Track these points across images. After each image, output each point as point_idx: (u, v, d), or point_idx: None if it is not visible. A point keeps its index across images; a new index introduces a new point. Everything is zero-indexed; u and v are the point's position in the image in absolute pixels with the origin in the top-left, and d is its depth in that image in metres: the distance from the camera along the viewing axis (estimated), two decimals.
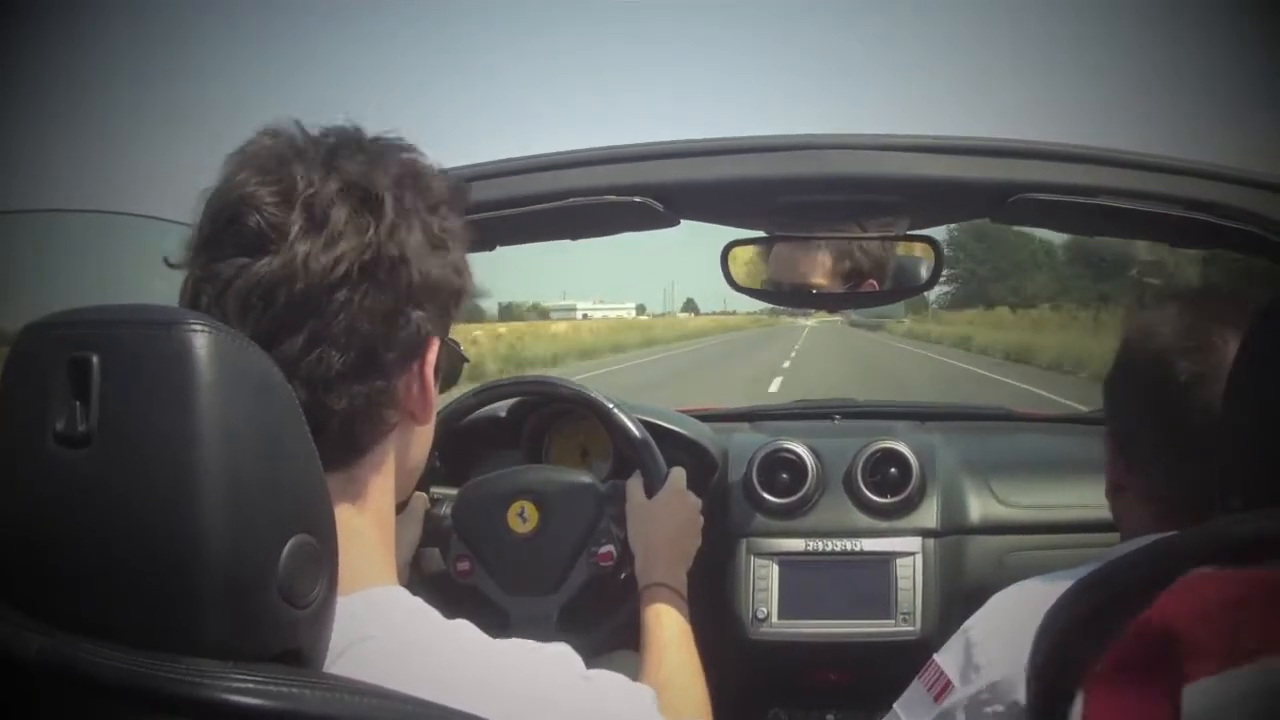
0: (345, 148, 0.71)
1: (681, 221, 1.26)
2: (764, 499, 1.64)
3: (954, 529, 1.61)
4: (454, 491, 1.45)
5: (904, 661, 1.17)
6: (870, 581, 1.57)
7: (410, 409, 0.74)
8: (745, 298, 1.49)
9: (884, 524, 1.61)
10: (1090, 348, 17.81)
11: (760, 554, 1.61)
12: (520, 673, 0.69)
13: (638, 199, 1.18)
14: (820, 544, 1.60)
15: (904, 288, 1.43)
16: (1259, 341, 0.70)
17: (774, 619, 1.57)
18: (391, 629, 0.67)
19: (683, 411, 1.83)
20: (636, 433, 1.39)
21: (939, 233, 1.34)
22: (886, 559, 1.58)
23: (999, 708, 0.92)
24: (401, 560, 1.33)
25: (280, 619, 0.58)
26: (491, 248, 1.29)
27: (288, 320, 0.66)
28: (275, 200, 0.67)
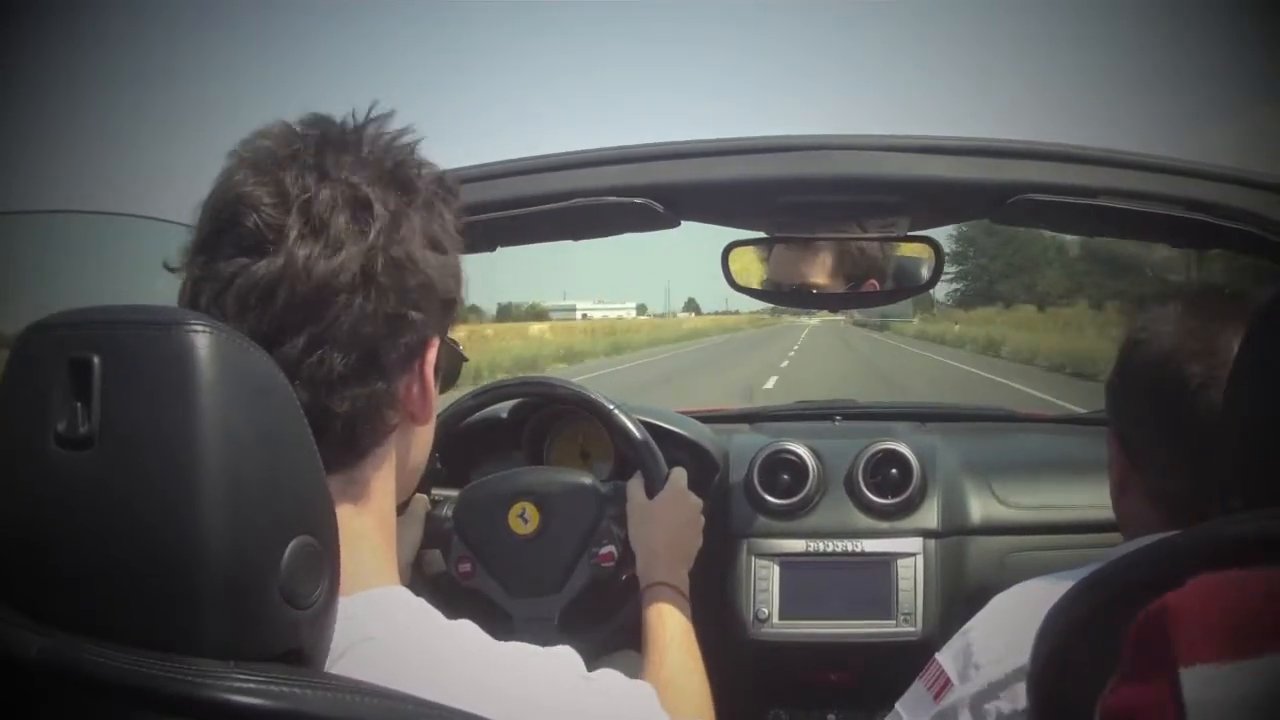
0: (340, 146, 0.71)
1: (682, 222, 1.26)
2: (765, 500, 1.64)
3: (955, 530, 1.61)
4: (455, 493, 1.45)
5: (905, 662, 1.17)
6: (871, 582, 1.57)
7: (411, 410, 0.74)
8: (747, 297, 1.50)
9: (885, 525, 1.61)
10: None
11: (761, 555, 1.61)
12: (522, 674, 0.69)
13: (638, 200, 1.18)
14: (821, 545, 1.60)
15: (904, 288, 1.43)
16: (1259, 341, 0.70)
17: (775, 619, 1.58)
18: (393, 629, 0.67)
19: (683, 412, 1.83)
20: (637, 434, 1.39)
21: (944, 230, 1.34)
22: (887, 560, 1.58)
23: (1000, 706, 0.92)
24: (403, 561, 1.33)
25: (281, 619, 0.58)
26: (492, 248, 1.29)
27: (288, 322, 0.66)
28: (273, 201, 0.66)
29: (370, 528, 0.73)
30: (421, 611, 0.70)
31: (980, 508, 1.65)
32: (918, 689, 1.02)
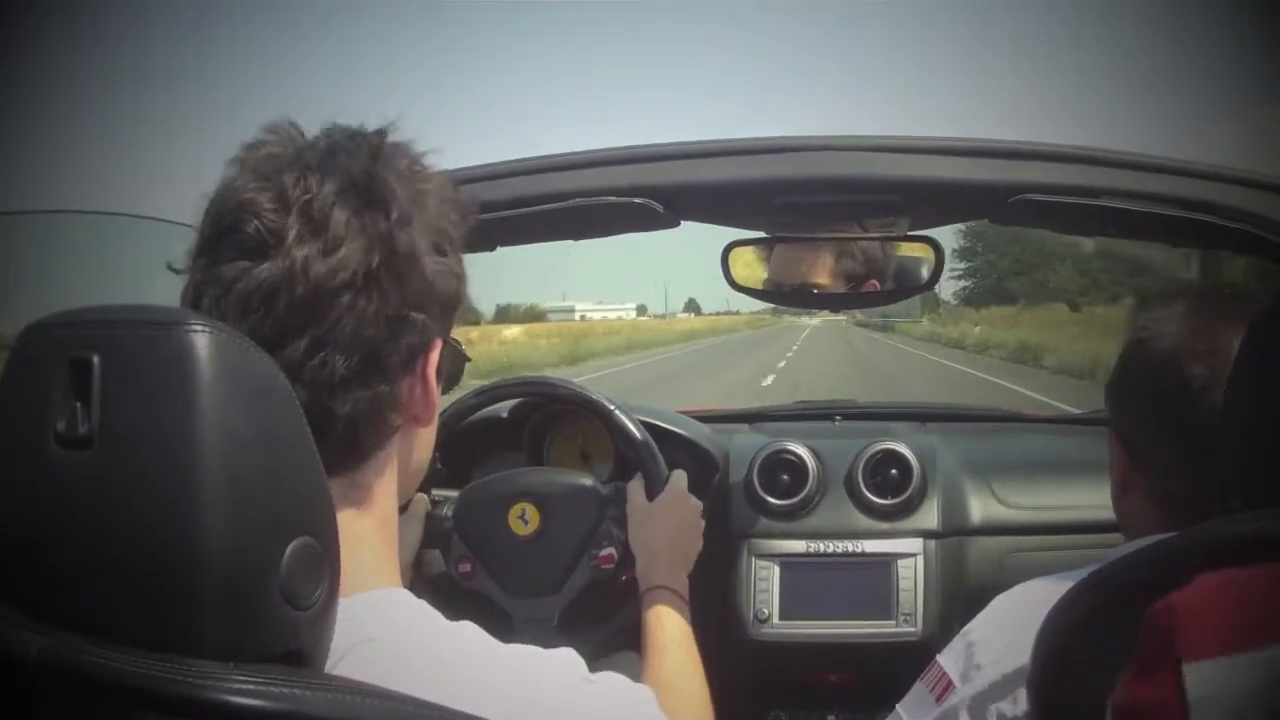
0: (343, 150, 0.71)
1: (682, 223, 1.26)
2: (765, 500, 1.64)
3: (955, 530, 1.61)
4: (455, 493, 1.45)
5: (905, 662, 1.17)
6: (871, 583, 1.57)
7: (413, 411, 0.74)
8: (748, 297, 1.50)
9: (885, 525, 1.61)
10: None
11: (761, 555, 1.61)
12: (522, 675, 0.69)
13: (638, 200, 1.18)
14: (821, 545, 1.60)
15: (904, 288, 1.43)
16: (1259, 341, 0.70)
17: (775, 620, 1.58)
18: (393, 630, 0.67)
19: (683, 412, 1.83)
20: (637, 434, 1.39)
21: (951, 225, 1.34)
22: (887, 560, 1.58)
23: (1001, 707, 0.92)
24: (403, 561, 1.33)
25: (282, 620, 0.58)
26: (493, 248, 1.29)
27: (289, 324, 0.66)
28: (273, 206, 0.67)
29: (372, 530, 0.73)
30: (422, 613, 0.70)
31: (980, 508, 1.65)
32: (919, 690, 1.02)
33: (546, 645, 0.74)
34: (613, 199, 1.18)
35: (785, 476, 1.66)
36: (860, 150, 1.16)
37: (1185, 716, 0.53)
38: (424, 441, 0.79)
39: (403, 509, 0.81)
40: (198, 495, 0.56)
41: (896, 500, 1.62)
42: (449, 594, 1.38)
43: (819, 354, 27.82)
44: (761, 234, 1.38)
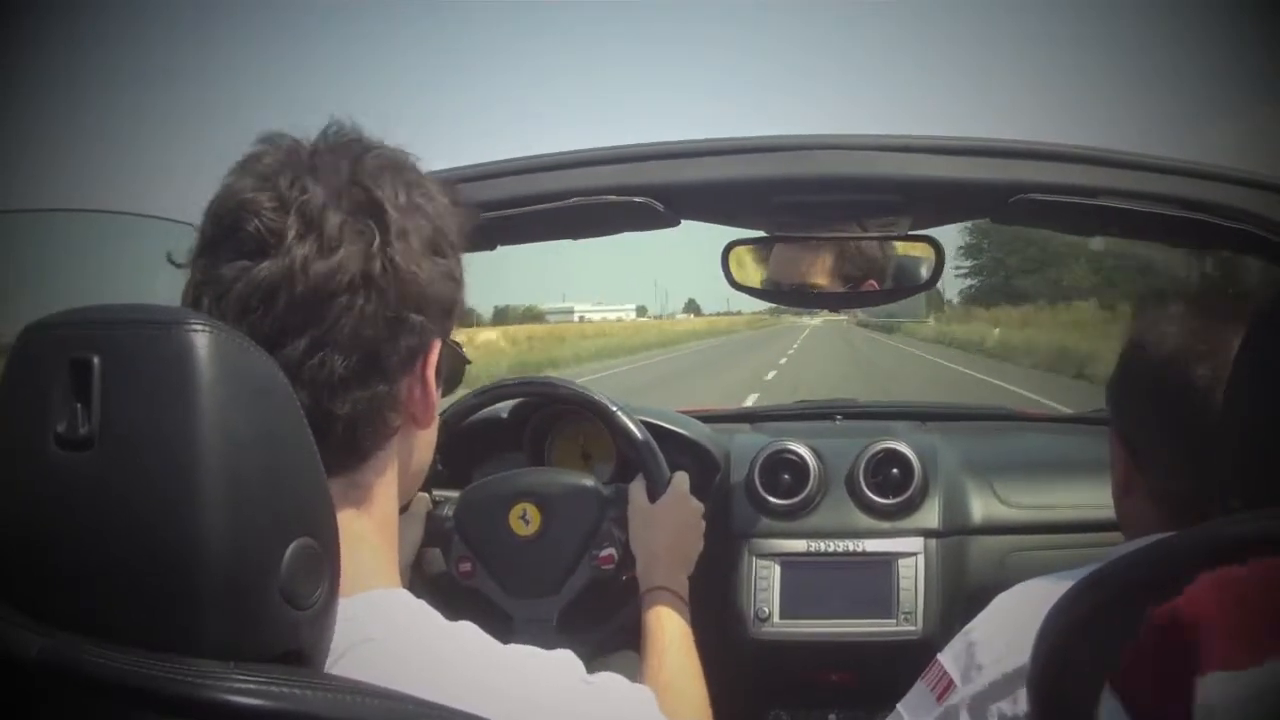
0: (341, 152, 0.71)
1: (682, 222, 1.26)
2: (766, 500, 1.64)
3: (956, 529, 1.61)
4: (456, 493, 1.45)
5: (906, 662, 1.17)
6: (872, 582, 1.57)
7: (412, 412, 0.74)
8: (749, 297, 1.50)
9: (886, 524, 1.61)
10: None
11: (762, 555, 1.61)
12: (522, 675, 0.69)
13: (638, 199, 1.18)
14: (822, 545, 1.60)
15: (904, 287, 1.43)
16: (1259, 341, 0.70)
17: (776, 619, 1.58)
18: (393, 630, 0.67)
19: (684, 412, 1.83)
20: (639, 435, 1.39)
21: (954, 226, 1.34)
22: (888, 559, 1.58)
23: (1002, 707, 0.92)
24: (404, 561, 1.33)
25: (282, 620, 0.58)
26: (492, 247, 1.29)
27: (289, 323, 0.66)
28: (273, 206, 0.67)
29: (372, 530, 0.73)
30: (422, 613, 0.70)
31: (981, 507, 1.65)
32: (920, 690, 1.02)
33: (546, 645, 0.74)
34: (613, 198, 1.18)
35: (786, 476, 1.66)
36: (860, 149, 1.16)
37: None
38: (424, 443, 0.79)
39: (403, 509, 0.81)
40: (198, 495, 0.56)
41: (897, 499, 1.62)
42: (449, 594, 1.38)
43: (815, 359, 26.07)
44: (761, 233, 1.38)
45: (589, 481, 1.41)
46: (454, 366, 0.83)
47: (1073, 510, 1.59)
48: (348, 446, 0.70)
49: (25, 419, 0.59)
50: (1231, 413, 0.72)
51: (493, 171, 1.21)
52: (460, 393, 1.27)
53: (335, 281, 0.66)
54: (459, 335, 0.81)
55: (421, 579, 1.41)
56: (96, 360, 0.57)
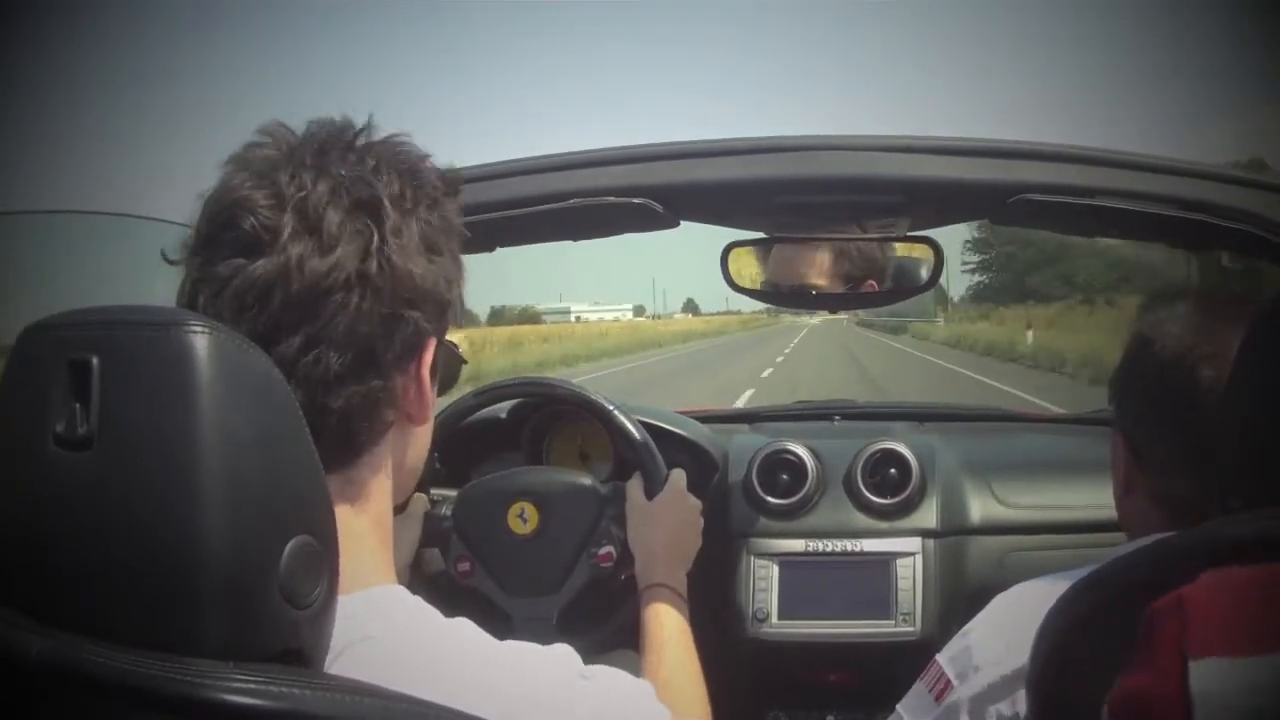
0: (338, 147, 0.71)
1: (681, 223, 1.26)
2: (764, 500, 1.64)
3: (954, 529, 1.61)
4: (454, 493, 1.45)
5: (904, 662, 1.17)
6: (870, 582, 1.57)
7: (407, 410, 0.74)
8: (747, 298, 1.50)
9: (884, 525, 1.61)
10: None
11: (760, 555, 1.61)
12: (520, 672, 0.69)
13: (638, 200, 1.18)
14: (820, 544, 1.60)
15: (904, 288, 1.43)
16: (1259, 341, 0.70)
17: (774, 619, 1.58)
18: (391, 628, 0.67)
19: (682, 412, 1.83)
20: (636, 434, 1.39)
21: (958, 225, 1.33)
22: (887, 559, 1.58)
23: (1000, 708, 0.92)
24: (402, 562, 1.33)
25: (281, 619, 0.59)
26: (492, 248, 1.29)
27: (284, 321, 0.66)
28: (269, 204, 0.67)
29: (368, 528, 0.73)
30: (420, 610, 0.70)
31: (979, 508, 1.65)
32: (919, 690, 1.02)
33: (545, 644, 0.74)
34: (612, 199, 1.18)
35: (784, 476, 1.66)
36: (859, 150, 1.16)
37: (1188, 710, 0.53)
38: (419, 440, 0.79)
39: (400, 509, 0.81)
40: (197, 495, 0.56)
41: (896, 500, 1.62)
42: (448, 593, 1.38)
43: (810, 365, 23.70)
44: (760, 235, 1.38)
45: (587, 480, 1.41)
46: (450, 366, 0.83)
47: (1071, 511, 1.59)
48: (342, 441, 0.70)
49: (25, 419, 0.59)
50: (1231, 413, 0.72)
51: (492, 173, 1.21)
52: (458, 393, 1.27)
53: (331, 279, 0.66)
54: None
55: (420, 579, 1.41)
56: (96, 361, 0.57)
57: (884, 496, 1.63)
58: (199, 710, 0.55)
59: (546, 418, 1.69)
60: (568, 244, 1.35)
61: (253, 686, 0.55)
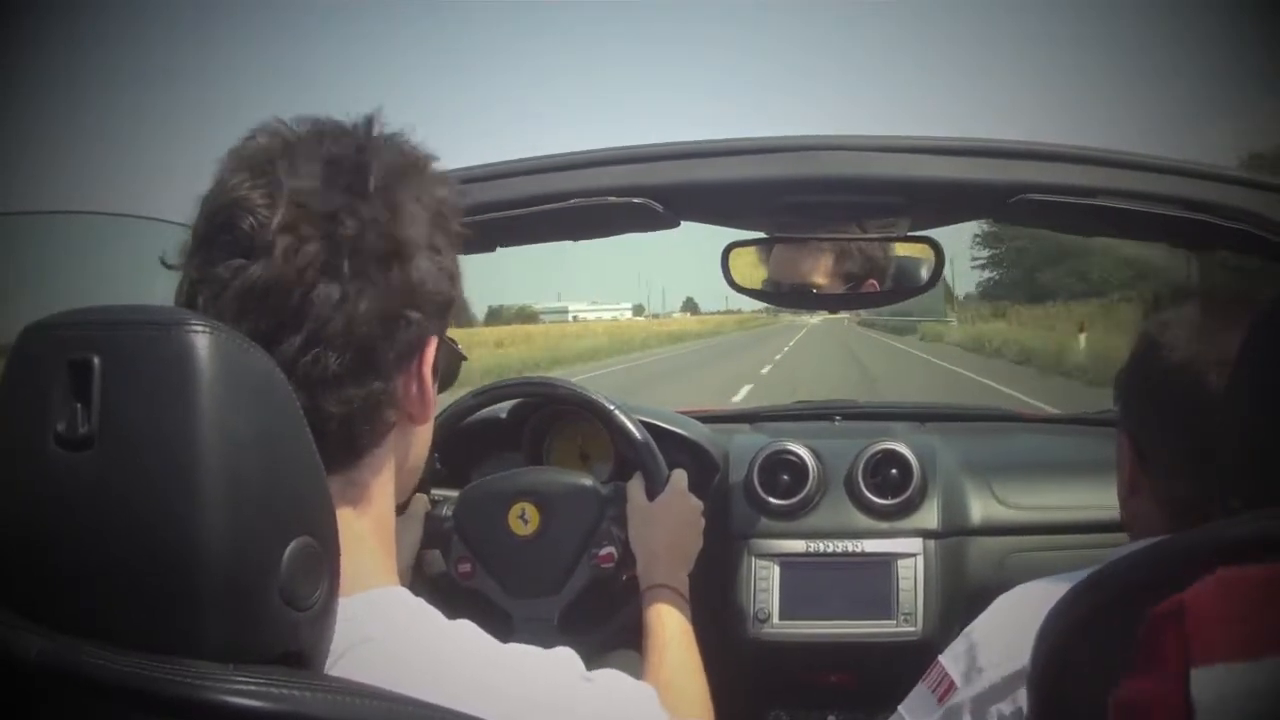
0: (335, 144, 0.70)
1: (681, 223, 1.26)
2: (765, 500, 1.64)
3: (955, 530, 1.61)
4: (455, 493, 1.45)
5: (905, 662, 1.17)
6: (871, 582, 1.57)
7: (409, 409, 0.74)
8: (747, 297, 1.50)
9: (885, 525, 1.61)
10: None
11: (761, 555, 1.61)
12: (521, 674, 0.69)
13: (638, 200, 1.18)
14: (821, 545, 1.60)
15: (904, 288, 1.43)
16: (1259, 341, 0.70)
17: (775, 620, 1.57)
18: (392, 630, 0.67)
19: (683, 412, 1.83)
20: (637, 434, 1.39)
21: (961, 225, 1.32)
22: (887, 560, 1.58)
23: (1003, 709, 0.92)
24: (403, 563, 1.33)
25: (281, 621, 0.58)
26: (492, 248, 1.29)
27: (284, 321, 0.66)
28: (266, 202, 0.66)
29: (369, 529, 0.73)
30: (421, 612, 0.70)
31: (980, 508, 1.65)
32: (921, 691, 1.02)
33: (546, 645, 0.74)
34: (612, 199, 1.18)
35: (785, 476, 1.65)
36: (860, 150, 1.16)
37: (1189, 718, 0.53)
38: (420, 440, 0.79)
39: (401, 509, 0.81)
40: (198, 496, 0.56)
41: (896, 500, 1.62)
42: (449, 594, 1.37)
43: (806, 371, 21.09)
44: (761, 234, 1.38)
45: (588, 481, 1.41)
46: (450, 364, 0.83)
47: (1072, 511, 1.59)
48: (344, 444, 0.70)
49: (25, 419, 0.59)
50: (1231, 413, 0.72)
51: (492, 173, 1.20)
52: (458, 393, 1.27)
53: (329, 279, 0.66)
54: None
55: (421, 580, 1.41)
56: (96, 361, 0.57)
57: (885, 497, 1.62)
58: (199, 712, 0.55)
59: (547, 418, 1.69)
60: (567, 244, 1.35)
61: (253, 688, 0.55)
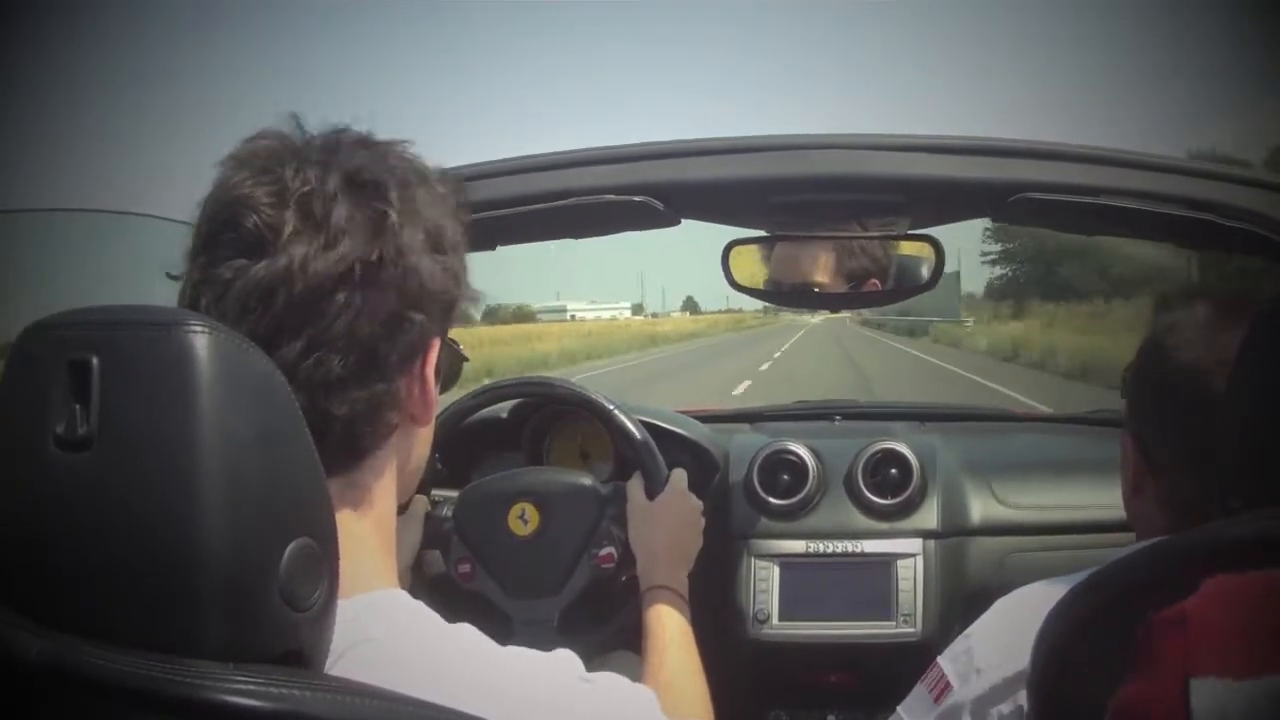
0: (342, 146, 0.71)
1: (682, 221, 1.26)
2: (765, 500, 1.64)
3: (955, 530, 1.61)
4: (455, 494, 1.45)
5: (905, 663, 1.17)
6: (871, 583, 1.57)
7: (411, 411, 0.74)
8: (748, 296, 1.50)
9: (885, 525, 1.61)
10: None
11: (761, 555, 1.61)
12: (521, 675, 0.69)
13: (638, 198, 1.18)
14: (821, 545, 1.60)
15: (905, 287, 1.42)
16: (1259, 341, 0.70)
17: (775, 620, 1.57)
18: (392, 631, 0.67)
19: (683, 412, 1.83)
20: (637, 434, 1.39)
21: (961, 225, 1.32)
22: (887, 560, 1.58)
23: (1001, 710, 0.92)
24: (403, 564, 1.33)
25: (281, 621, 0.58)
26: (492, 247, 1.29)
27: (286, 323, 0.66)
28: (272, 200, 0.66)
29: (370, 531, 0.73)
30: (421, 613, 0.70)
31: (980, 508, 1.65)
32: (919, 692, 1.02)
33: (546, 646, 0.74)
34: (612, 197, 1.18)
35: (785, 476, 1.65)
36: (860, 149, 1.16)
37: None
38: (422, 441, 0.79)
39: (402, 509, 0.81)
40: (197, 496, 0.56)
41: (896, 500, 1.62)
42: (449, 595, 1.37)
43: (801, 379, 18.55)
44: (762, 233, 1.38)
45: (587, 480, 1.41)
46: (452, 364, 0.83)
47: (1072, 511, 1.59)
48: (346, 446, 0.70)
49: (25, 419, 0.59)
50: (1231, 412, 0.72)
51: (492, 171, 1.20)
52: (456, 393, 1.27)
53: (334, 280, 0.66)
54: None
55: (421, 581, 1.41)
56: (96, 361, 0.57)
57: (885, 497, 1.62)
58: (198, 711, 0.55)
59: (547, 417, 1.69)
60: (566, 242, 1.35)
61: (253, 688, 0.55)
